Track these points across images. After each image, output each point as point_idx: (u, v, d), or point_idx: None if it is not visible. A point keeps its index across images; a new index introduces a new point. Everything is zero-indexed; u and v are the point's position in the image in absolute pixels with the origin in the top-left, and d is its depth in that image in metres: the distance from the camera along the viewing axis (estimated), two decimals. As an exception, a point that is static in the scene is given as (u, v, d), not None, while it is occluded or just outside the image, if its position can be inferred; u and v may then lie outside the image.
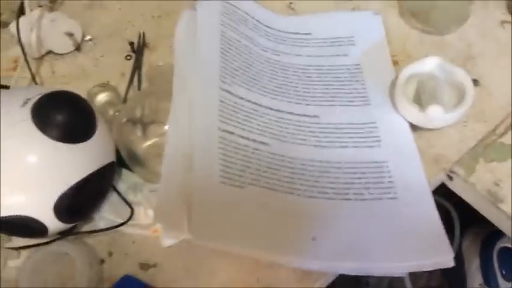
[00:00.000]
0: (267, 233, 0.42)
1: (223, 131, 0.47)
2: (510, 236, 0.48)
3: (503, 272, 0.68)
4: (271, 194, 0.45)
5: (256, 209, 0.43)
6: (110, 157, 0.46)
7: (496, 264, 0.68)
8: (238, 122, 0.48)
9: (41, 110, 0.42)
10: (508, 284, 0.66)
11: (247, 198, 0.43)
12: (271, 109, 0.51)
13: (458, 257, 0.68)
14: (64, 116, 0.42)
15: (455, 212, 0.61)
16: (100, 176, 0.44)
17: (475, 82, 0.55)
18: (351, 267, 0.42)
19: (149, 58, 0.60)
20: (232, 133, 0.47)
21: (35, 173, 0.41)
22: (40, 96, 0.42)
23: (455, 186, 0.51)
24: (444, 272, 0.77)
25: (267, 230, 0.42)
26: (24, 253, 0.46)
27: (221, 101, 0.48)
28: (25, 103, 0.42)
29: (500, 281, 0.67)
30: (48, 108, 0.42)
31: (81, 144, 0.42)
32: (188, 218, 0.40)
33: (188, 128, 0.46)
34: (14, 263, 0.45)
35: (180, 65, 0.50)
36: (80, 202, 0.44)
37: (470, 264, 0.71)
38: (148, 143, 0.47)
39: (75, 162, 0.42)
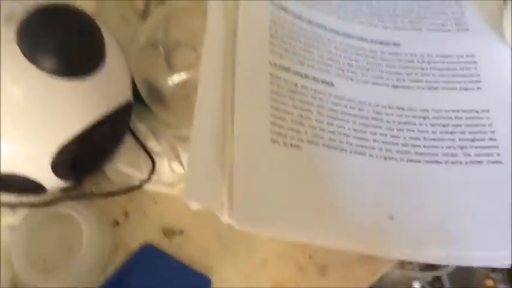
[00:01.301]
0: (332, 212, 0.32)
1: (276, 66, 0.35)
2: None
3: None
4: (336, 155, 0.34)
5: (318, 177, 0.33)
6: (125, 95, 0.35)
7: None
8: (295, 53, 0.36)
9: (31, 31, 0.30)
10: None
11: (304, 163, 0.33)
12: (338, 33, 0.39)
13: None
14: (62, 40, 0.30)
15: None
16: (111, 121, 0.33)
17: None
18: (440, 255, 0.32)
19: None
20: (287, 69, 0.35)
21: (24, 118, 0.30)
22: (29, 10, 0.31)
23: None
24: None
25: (332, 208, 0.32)
26: (22, 211, 0.37)
27: (272, 22, 0.36)
28: (8, 20, 0.30)
29: None
30: (39, 28, 0.30)
31: (85, 79, 0.31)
32: (229, 195, 0.30)
33: (228, 62, 0.34)
34: (7, 220, 0.36)
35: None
36: (86, 155, 0.34)
37: None
38: (175, 79, 0.36)
39: (78, 103, 0.31)
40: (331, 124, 0.35)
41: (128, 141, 0.38)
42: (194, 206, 0.31)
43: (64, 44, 0.30)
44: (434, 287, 0.71)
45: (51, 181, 0.33)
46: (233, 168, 0.31)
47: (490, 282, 0.76)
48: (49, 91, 0.30)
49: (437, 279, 0.73)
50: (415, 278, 0.70)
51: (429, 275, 0.68)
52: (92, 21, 0.33)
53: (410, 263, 0.67)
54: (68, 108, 0.31)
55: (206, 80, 0.33)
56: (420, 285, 0.70)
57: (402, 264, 0.66)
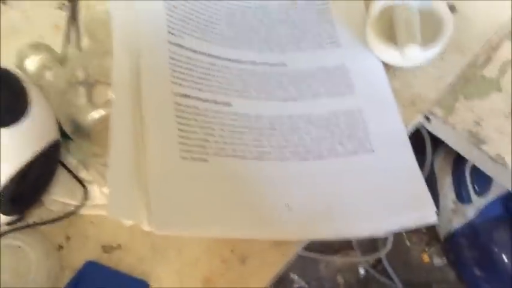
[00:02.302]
0: (239, 209, 0.38)
1: (178, 94, 0.41)
2: (492, 176, 0.47)
3: (476, 188, 0.67)
4: (238, 163, 0.40)
5: (224, 183, 0.39)
6: (52, 135, 0.40)
7: (468, 180, 0.68)
8: (194, 82, 0.42)
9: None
10: (481, 199, 0.66)
11: (212, 172, 0.39)
12: (231, 60, 0.46)
13: (431, 175, 0.68)
14: (-14, 98, 0.36)
15: (426, 129, 0.59)
16: (43, 158, 0.39)
17: (451, 8, 0.50)
18: (330, 231, 0.40)
19: (86, 5, 0.52)
20: (188, 96, 0.41)
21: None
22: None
23: (434, 128, 0.48)
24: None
25: (238, 205, 0.38)
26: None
27: (172, 58, 0.42)
28: None
29: (473, 196, 0.67)
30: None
31: (13, 127, 0.36)
32: (147, 208, 0.35)
33: (135, 95, 0.40)
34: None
35: (118, 16, 0.43)
36: (24, 191, 0.39)
37: (443, 182, 0.71)
38: (96, 114, 0.41)
39: (10, 148, 0.37)
40: (232, 137, 0.41)
41: (61, 173, 0.43)
42: (126, 222, 0.37)
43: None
44: (377, 270, 0.77)
45: (-5, 218, 0.38)
46: (148, 183, 0.36)
47: (425, 257, 0.82)
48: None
49: (379, 261, 0.79)
50: (359, 264, 0.75)
51: (370, 259, 0.72)
52: (14, 76, 0.38)
53: (352, 249, 0.73)
54: (2, 153, 0.36)
55: (118, 112, 0.39)
56: (364, 270, 0.75)
57: (345, 251, 0.72)
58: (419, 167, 0.42)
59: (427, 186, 0.42)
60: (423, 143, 0.60)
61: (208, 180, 0.39)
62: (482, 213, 0.64)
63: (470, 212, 0.65)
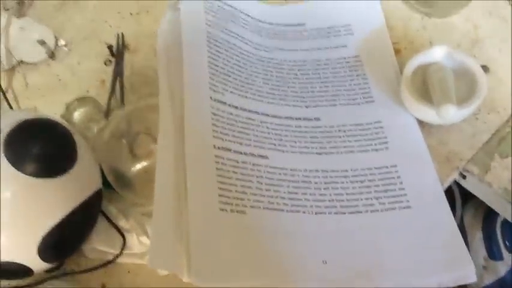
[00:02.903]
0: (275, 261, 0.38)
1: (219, 148, 0.42)
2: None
3: (507, 244, 0.66)
4: (275, 215, 0.41)
5: (261, 235, 0.39)
6: (95, 185, 0.42)
7: (499, 236, 0.66)
8: (235, 136, 0.44)
9: (14, 143, 0.37)
10: None
11: (250, 224, 0.40)
12: (268, 115, 0.47)
13: (461, 231, 0.66)
14: (40, 148, 0.38)
15: (456, 184, 0.59)
16: (86, 207, 0.40)
17: (485, 69, 0.51)
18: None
19: (131, 61, 0.55)
20: (229, 150, 0.43)
21: (13, 214, 0.37)
22: (13, 125, 0.38)
23: (470, 185, 0.47)
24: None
25: (275, 257, 0.39)
26: (12, 294, 0.42)
27: (214, 114, 0.44)
28: (-5, 133, 0.37)
29: (505, 253, 0.66)
30: (22, 139, 0.38)
31: (61, 177, 0.38)
32: (187, 259, 0.36)
33: (178, 148, 0.41)
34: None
35: (165, 76, 0.45)
36: (66, 239, 0.40)
37: (473, 238, 0.69)
38: (138, 166, 0.43)
39: (57, 197, 0.38)
40: (269, 190, 0.42)
41: (101, 222, 0.44)
42: (162, 271, 0.38)
43: (43, 152, 0.38)
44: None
45: (37, 265, 0.39)
46: (189, 235, 0.37)
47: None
48: (33, 190, 0.37)
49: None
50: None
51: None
52: (65, 129, 0.40)
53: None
54: (48, 202, 0.38)
55: (162, 165, 0.40)
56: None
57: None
58: None
59: None
60: (452, 198, 0.59)
61: (245, 233, 0.39)
62: (514, 270, 0.63)
63: (502, 268, 0.63)
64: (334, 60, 0.52)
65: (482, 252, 0.68)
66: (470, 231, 0.70)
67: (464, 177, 0.47)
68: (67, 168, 0.39)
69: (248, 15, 0.53)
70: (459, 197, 0.63)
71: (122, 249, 0.43)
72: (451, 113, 0.43)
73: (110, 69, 0.54)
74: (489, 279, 0.64)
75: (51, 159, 0.38)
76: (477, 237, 0.69)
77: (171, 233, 0.37)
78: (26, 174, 0.37)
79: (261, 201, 0.41)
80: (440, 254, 0.41)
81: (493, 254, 0.66)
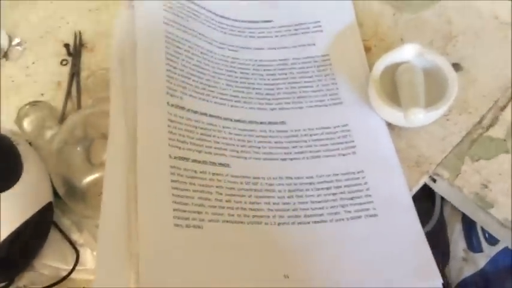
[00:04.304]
0: (234, 277, 0.37)
1: (175, 158, 0.40)
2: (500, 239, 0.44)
3: (487, 236, 0.65)
4: (235, 228, 0.39)
5: (219, 251, 0.37)
6: (45, 198, 0.39)
7: (479, 228, 0.66)
8: (193, 144, 0.42)
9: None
10: (492, 248, 0.64)
11: (207, 239, 0.37)
12: (231, 120, 0.45)
13: (440, 223, 0.66)
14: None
15: None
16: (35, 222, 0.38)
17: (457, 67, 0.49)
18: (330, 303, 0.38)
19: (88, 62, 0.52)
20: (186, 159, 0.40)
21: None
22: None
23: (440, 189, 0.46)
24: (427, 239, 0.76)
25: (233, 274, 0.37)
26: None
27: (171, 120, 0.41)
28: None
29: (484, 245, 0.65)
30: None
31: (5, 193, 0.36)
32: (137, 280, 0.34)
33: (130, 159, 0.39)
34: None
35: (118, 78, 0.42)
36: (14, 255, 0.38)
37: (453, 230, 0.69)
38: (91, 177, 0.41)
39: (2, 214, 0.36)
40: (229, 201, 0.40)
41: (54, 234, 0.42)
42: None
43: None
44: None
45: (-17, 284, 0.37)
46: (139, 254, 0.35)
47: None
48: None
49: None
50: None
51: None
52: (8, 142, 0.38)
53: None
54: (-8, 219, 0.36)
55: (111, 176, 0.38)
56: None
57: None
58: (428, 213, 0.40)
59: (436, 233, 0.40)
60: (432, 190, 0.58)
61: (202, 248, 0.37)
62: (494, 262, 0.62)
63: (482, 260, 0.62)
64: (301, 60, 0.50)
65: (462, 244, 0.67)
66: (450, 223, 0.69)
67: (434, 181, 0.45)
68: (11, 184, 0.36)
69: (210, 11, 0.51)
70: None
71: (75, 264, 0.41)
72: (419, 117, 0.41)
73: (67, 70, 0.51)
74: (469, 271, 0.64)
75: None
76: (457, 228, 0.68)
77: (119, 251, 0.35)
78: (-35, 191, 0.34)
79: (220, 213, 0.39)
80: (407, 264, 0.39)
81: (473, 246, 0.65)
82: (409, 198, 0.42)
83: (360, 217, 0.41)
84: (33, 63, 0.53)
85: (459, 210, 0.68)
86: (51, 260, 0.41)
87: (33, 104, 0.47)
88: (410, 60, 0.47)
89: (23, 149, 0.38)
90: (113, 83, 0.43)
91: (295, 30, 0.52)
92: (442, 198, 0.64)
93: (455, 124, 0.47)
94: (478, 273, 0.63)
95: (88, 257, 0.41)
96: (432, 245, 0.41)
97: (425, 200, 0.45)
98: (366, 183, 0.43)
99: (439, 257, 0.71)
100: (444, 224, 0.69)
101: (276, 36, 0.52)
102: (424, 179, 0.45)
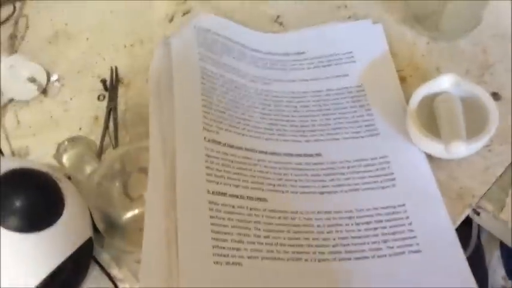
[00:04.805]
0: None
1: (213, 193, 0.40)
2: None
3: None
4: (274, 265, 0.38)
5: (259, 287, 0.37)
6: (85, 234, 0.40)
7: None
8: (230, 178, 0.41)
9: (-3, 195, 0.35)
10: None
11: (247, 277, 0.37)
12: (266, 153, 0.45)
13: (478, 249, 0.63)
14: (24, 202, 0.36)
15: None
16: (76, 259, 0.38)
17: (495, 96, 0.48)
18: None
19: (125, 96, 0.53)
20: (224, 194, 0.40)
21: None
22: (-6, 176, 0.36)
23: (484, 222, 0.45)
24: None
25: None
26: None
27: (207, 155, 0.41)
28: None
29: None
30: (4, 193, 0.36)
31: (47, 230, 0.36)
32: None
33: (170, 195, 0.39)
34: None
35: (156, 116, 0.43)
36: (55, 293, 0.38)
37: (491, 256, 0.66)
38: (130, 213, 0.41)
39: (44, 252, 0.36)
40: (268, 237, 0.39)
41: (93, 269, 0.42)
42: None
43: (27, 205, 0.36)
44: None
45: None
46: (180, 291, 0.35)
47: None
48: (17, 246, 0.35)
49: None
50: None
51: None
52: (51, 180, 0.38)
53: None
54: (35, 257, 0.36)
55: (151, 213, 0.38)
56: None
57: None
58: (464, 238, 0.39)
59: (474, 260, 0.38)
60: (468, 215, 0.56)
61: (242, 286, 0.37)
62: (534, 290, 0.60)
63: None
64: (335, 91, 0.50)
65: (500, 271, 0.65)
66: (487, 250, 0.67)
67: (478, 214, 0.44)
68: (53, 221, 0.37)
69: (244, 46, 0.51)
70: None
71: (115, 301, 0.40)
72: (461, 150, 0.40)
73: (104, 104, 0.52)
74: (509, 300, 0.62)
75: (36, 213, 0.36)
76: (495, 255, 0.66)
77: (160, 285, 0.35)
78: (10, 229, 0.35)
79: (259, 250, 0.39)
80: (453, 303, 0.38)
81: (512, 273, 0.63)
82: (453, 232, 0.41)
83: (403, 253, 0.40)
84: (71, 98, 0.54)
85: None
86: (90, 296, 0.41)
87: (72, 139, 0.47)
88: (448, 90, 0.46)
89: (64, 186, 0.39)
90: (152, 119, 0.43)
91: (328, 61, 0.52)
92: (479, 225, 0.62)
93: (497, 155, 0.45)
94: (519, 302, 0.61)
95: (127, 293, 0.41)
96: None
97: (461, 226, 0.43)
98: (407, 217, 0.42)
99: (477, 284, 0.69)
100: (482, 250, 0.67)
101: (309, 68, 0.52)
102: (467, 212, 0.44)
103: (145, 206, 0.38)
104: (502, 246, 0.65)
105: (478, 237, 0.66)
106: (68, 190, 0.39)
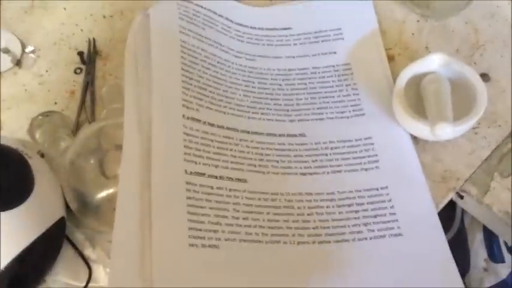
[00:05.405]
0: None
1: (191, 173, 0.38)
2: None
3: (509, 246, 0.63)
4: (252, 248, 0.37)
5: (235, 271, 0.36)
6: (57, 213, 0.38)
7: (501, 238, 0.64)
8: (210, 158, 0.40)
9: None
10: None
11: (223, 260, 0.36)
12: (248, 133, 0.43)
13: (461, 231, 0.63)
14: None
15: None
16: (47, 238, 0.37)
17: (485, 77, 0.47)
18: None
19: (103, 70, 0.51)
20: (202, 174, 0.39)
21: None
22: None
23: (467, 206, 0.44)
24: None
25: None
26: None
27: (186, 134, 0.40)
28: None
29: (506, 255, 0.63)
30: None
31: (16, 210, 0.35)
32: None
33: (144, 174, 0.37)
34: None
35: (131, 89, 0.41)
36: (26, 274, 0.37)
37: (474, 239, 0.66)
38: (105, 192, 0.39)
39: (12, 232, 0.35)
40: (247, 219, 0.38)
41: (66, 249, 0.41)
42: None
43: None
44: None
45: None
46: (152, 275, 0.33)
47: None
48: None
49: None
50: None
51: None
52: (19, 155, 0.36)
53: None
54: (4, 236, 0.34)
55: (124, 193, 0.37)
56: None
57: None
58: (447, 221, 0.38)
59: (456, 242, 0.38)
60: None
61: (218, 269, 0.36)
62: (516, 272, 0.60)
63: (503, 271, 0.60)
64: (322, 69, 0.48)
65: (483, 254, 0.65)
66: (470, 232, 0.67)
67: (461, 197, 0.43)
68: (21, 200, 0.35)
69: (228, 19, 0.49)
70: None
71: (88, 282, 0.39)
72: (446, 132, 0.39)
73: (81, 78, 0.50)
74: (490, 282, 0.62)
75: (2, 192, 0.34)
76: (478, 238, 0.66)
77: (132, 272, 0.34)
78: (-25, 208, 0.33)
79: (237, 232, 0.37)
80: (434, 286, 0.37)
81: (494, 256, 0.63)
82: (435, 216, 0.40)
83: (383, 236, 0.39)
84: (47, 71, 0.51)
85: (480, 219, 0.66)
86: (64, 277, 0.40)
87: (47, 114, 0.45)
88: (436, 71, 0.44)
89: (34, 163, 0.37)
90: (127, 95, 0.41)
91: (315, 38, 0.50)
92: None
93: (483, 137, 0.44)
94: (500, 285, 0.61)
95: (101, 273, 0.40)
96: (452, 254, 0.40)
97: (445, 208, 0.43)
98: (390, 200, 0.41)
99: (459, 266, 0.69)
100: (464, 233, 0.67)
101: (295, 44, 0.50)
102: (451, 196, 0.43)
103: (119, 185, 0.37)
104: (485, 229, 0.65)
105: (462, 219, 0.66)
106: (38, 167, 0.37)
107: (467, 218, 0.67)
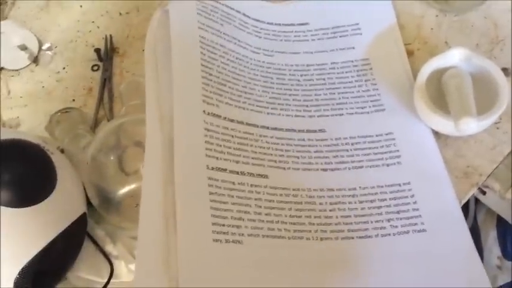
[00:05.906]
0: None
1: (213, 169, 0.38)
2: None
3: None
4: (275, 244, 0.37)
5: (259, 266, 0.35)
6: (78, 209, 0.38)
7: None
8: (230, 154, 0.40)
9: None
10: None
11: (247, 255, 0.35)
12: (268, 128, 0.43)
13: (474, 229, 0.63)
14: (14, 175, 0.34)
15: None
16: (69, 234, 0.37)
17: (506, 72, 0.46)
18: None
19: (120, 66, 0.51)
20: (224, 170, 0.39)
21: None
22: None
23: (490, 202, 0.44)
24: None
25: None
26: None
27: (207, 130, 0.40)
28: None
29: None
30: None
31: (39, 205, 0.35)
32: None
33: (167, 170, 0.37)
34: None
35: (152, 88, 0.41)
36: (48, 270, 0.37)
37: (487, 237, 0.66)
38: (126, 189, 0.39)
39: (35, 227, 0.35)
40: (269, 214, 0.38)
41: (87, 245, 0.41)
42: None
43: (17, 179, 0.34)
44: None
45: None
46: (178, 271, 0.33)
47: None
48: (7, 221, 0.34)
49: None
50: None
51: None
52: (43, 153, 0.36)
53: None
54: (26, 232, 0.35)
55: (148, 190, 0.36)
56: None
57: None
58: None
59: None
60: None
61: (242, 265, 0.35)
62: (530, 270, 0.59)
63: None
64: (340, 64, 0.48)
65: (496, 251, 0.65)
66: (483, 230, 0.66)
67: (484, 193, 0.43)
68: (45, 196, 0.35)
69: (245, 15, 0.49)
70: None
71: (110, 278, 0.39)
72: (471, 127, 0.39)
73: (98, 75, 0.50)
74: (504, 280, 0.61)
75: (26, 187, 0.34)
76: (491, 236, 0.66)
77: (157, 268, 0.34)
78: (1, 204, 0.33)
79: (259, 227, 0.37)
80: (459, 282, 0.37)
81: (508, 253, 0.63)
82: (459, 211, 0.40)
83: (407, 232, 0.39)
84: (64, 68, 0.51)
85: (494, 216, 0.66)
86: (85, 273, 0.40)
87: (65, 111, 0.45)
88: (457, 65, 0.44)
89: (56, 159, 0.37)
90: (148, 91, 0.41)
91: (333, 33, 0.50)
92: (476, 203, 0.61)
93: (505, 133, 0.44)
94: (513, 283, 0.60)
95: (122, 269, 0.40)
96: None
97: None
98: (412, 195, 0.40)
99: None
100: (478, 230, 0.66)
101: (313, 39, 0.50)
102: (474, 191, 0.42)
103: (142, 181, 0.37)
104: (498, 227, 0.65)
105: (475, 217, 0.66)
106: (60, 163, 0.37)
107: (481, 215, 0.67)
